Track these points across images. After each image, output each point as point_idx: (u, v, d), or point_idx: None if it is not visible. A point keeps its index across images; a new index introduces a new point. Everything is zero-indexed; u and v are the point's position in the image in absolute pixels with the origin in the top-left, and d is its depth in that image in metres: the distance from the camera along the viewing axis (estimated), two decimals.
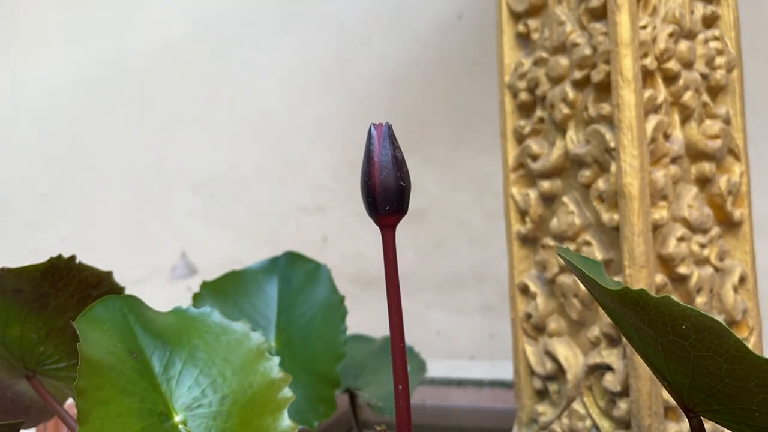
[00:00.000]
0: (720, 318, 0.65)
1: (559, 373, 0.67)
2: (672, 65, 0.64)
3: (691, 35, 0.66)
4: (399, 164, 0.43)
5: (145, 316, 0.50)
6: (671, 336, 0.38)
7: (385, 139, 0.43)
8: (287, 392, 0.48)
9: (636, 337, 0.42)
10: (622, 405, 0.62)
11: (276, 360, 0.50)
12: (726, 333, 0.36)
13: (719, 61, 0.67)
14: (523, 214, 0.70)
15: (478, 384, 0.99)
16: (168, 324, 0.51)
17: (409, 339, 0.57)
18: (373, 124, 0.44)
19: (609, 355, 0.63)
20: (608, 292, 0.40)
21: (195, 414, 0.47)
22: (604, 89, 0.63)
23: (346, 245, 1.24)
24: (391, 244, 0.44)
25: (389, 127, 0.44)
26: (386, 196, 0.43)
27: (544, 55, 0.67)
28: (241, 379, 0.48)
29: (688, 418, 0.43)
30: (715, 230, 0.66)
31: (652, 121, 0.63)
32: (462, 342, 1.19)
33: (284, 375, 0.49)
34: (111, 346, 0.47)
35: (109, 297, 0.50)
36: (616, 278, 0.62)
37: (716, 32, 0.67)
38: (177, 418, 0.46)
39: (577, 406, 0.65)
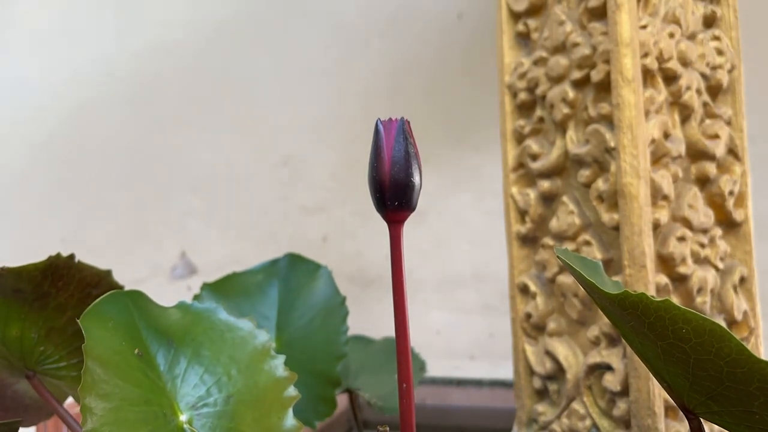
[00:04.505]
0: (720, 318, 0.65)
1: (558, 372, 0.67)
2: (672, 65, 0.64)
3: (691, 35, 0.66)
4: (411, 159, 0.42)
5: (150, 313, 0.50)
6: (671, 339, 0.38)
7: (399, 134, 0.42)
8: (292, 391, 0.48)
9: (636, 339, 0.42)
10: (622, 405, 0.62)
11: (281, 358, 0.49)
12: (727, 336, 0.36)
13: (719, 61, 0.67)
14: (523, 213, 0.70)
15: (478, 384, 1.00)
16: (173, 321, 0.50)
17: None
18: (380, 119, 0.43)
19: (609, 355, 0.63)
20: (608, 295, 0.39)
21: (200, 413, 0.47)
22: (604, 89, 0.63)
23: (346, 245, 1.24)
24: (398, 240, 0.43)
25: (404, 122, 0.42)
26: (396, 192, 0.42)
27: (544, 54, 0.68)
28: (246, 378, 0.48)
29: (688, 420, 0.43)
30: (716, 230, 0.66)
31: (652, 121, 0.63)
32: (462, 342, 1.19)
33: (289, 374, 0.49)
34: (116, 344, 0.47)
35: (114, 293, 0.50)
36: (616, 278, 0.62)
37: (716, 32, 0.68)
38: (182, 418, 0.46)
39: (577, 405, 0.65)
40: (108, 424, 0.42)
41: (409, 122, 0.43)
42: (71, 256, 0.53)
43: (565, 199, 0.67)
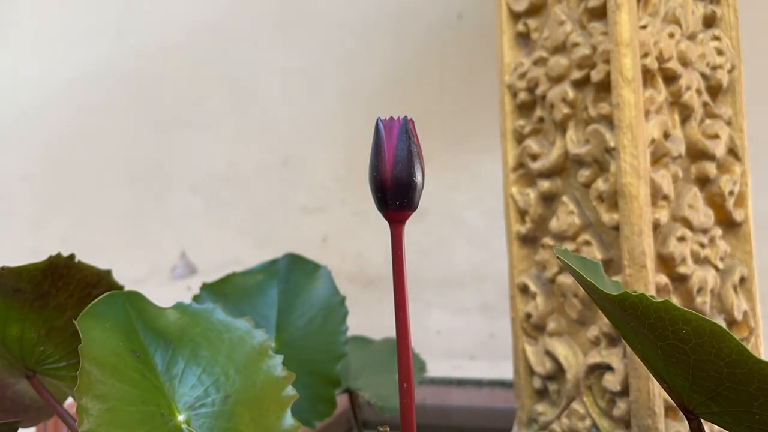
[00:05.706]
0: (720, 318, 0.65)
1: (558, 372, 0.67)
2: (672, 65, 0.64)
3: (691, 35, 0.66)
4: (413, 159, 0.42)
5: (148, 313, 0.50)
6: (671, 340, 0.38)
7: (402, 133, 0.42)
8: (290, 390, 0.48)
9: (636, 340, 0.42)
10: (622, 405, 0.62)
11: (279, 358, 0.49)
12: (727, 337, 0.36)
13: (719, 61, 0.67)
14: (523, 213, 0.70)
15: (478, 384, 0.99)
16: (170, 321, 0.50)
17: None
18: (381, 118, 0.42)
19: (609, 355, 0.63)
20: (607, 296, 0.39)
21: (198, 413, 0.46)
22: (604, 89, 0.63)
23: (346, 245, 1.24)
24: (399, 239, 0.43)
25: (407, 121, 0.42)
26: (398, 191, 0.42)
27: (544, 54, 0.67)
28: (244, 378, 0.48)
29: (688, 420, 0.43)
30: (716, 230, 0.66)
31: (652, 121, 0.63)
32: (462, 342, 1.19)
33: (287, 373, 0.49)
34: (113, 345, 0.47)
35: (112, 293, 0.50)
36: (616, 278, 0.62)
37: (716, 32, 0.67)
38: (180, 418, 0.46)
39: (576, 405, 0.65)
40: (104, 424, 0.42)
41: (413, 121, 0.43)
42: (71, 256, 0.53)
43: (565, 199, 0.67)
